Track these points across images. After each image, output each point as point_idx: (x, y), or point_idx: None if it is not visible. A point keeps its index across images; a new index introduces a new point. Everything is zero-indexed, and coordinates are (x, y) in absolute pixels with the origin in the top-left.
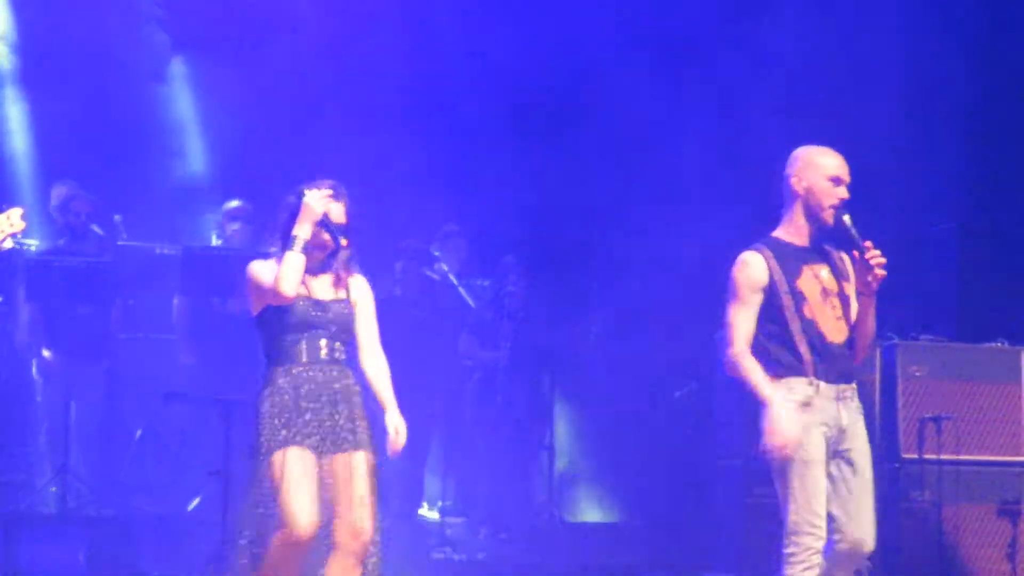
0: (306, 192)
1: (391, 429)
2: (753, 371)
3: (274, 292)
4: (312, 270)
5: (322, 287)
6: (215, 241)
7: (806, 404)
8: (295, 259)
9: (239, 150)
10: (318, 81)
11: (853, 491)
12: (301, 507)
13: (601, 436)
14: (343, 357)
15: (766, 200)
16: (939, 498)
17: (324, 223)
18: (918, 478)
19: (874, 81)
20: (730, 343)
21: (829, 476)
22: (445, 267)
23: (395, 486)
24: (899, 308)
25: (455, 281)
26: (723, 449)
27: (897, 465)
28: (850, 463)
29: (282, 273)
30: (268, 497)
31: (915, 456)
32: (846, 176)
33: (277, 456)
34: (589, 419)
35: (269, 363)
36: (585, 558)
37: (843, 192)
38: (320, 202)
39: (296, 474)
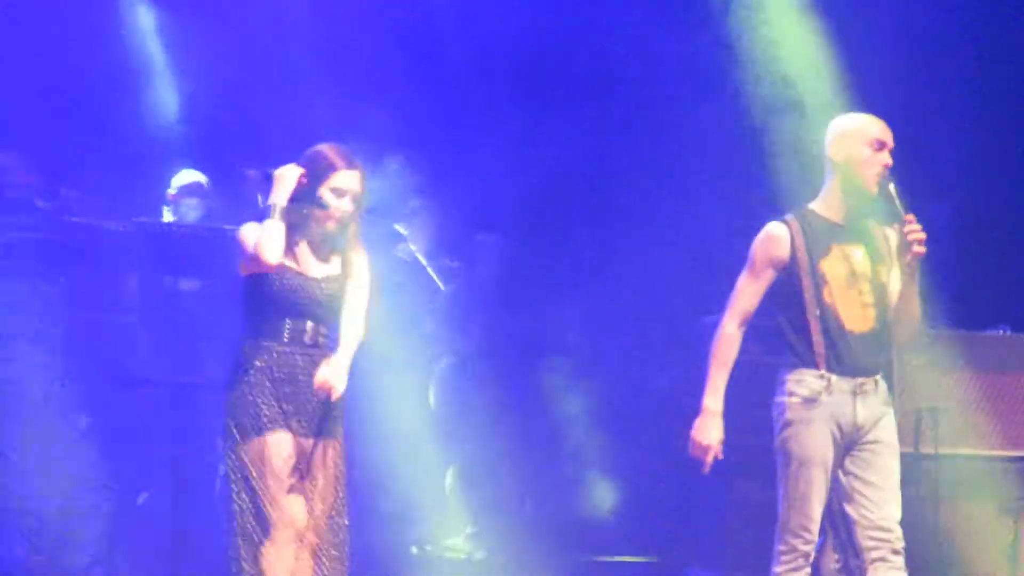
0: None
1: (322, 374)
2: (715, 366)
3: (256, 258)
4: (308, 245)
5: (316, 264)
6: (168, 217)
7: (810, 400)
8: (274, 225)
9: (211, 108)
10: (294, 32)
11: (873, 482)
12: (288, 499)
13: (580, 426)
14: (326, 341)
15: (762, 189)
16: (936, 495)
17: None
18: (913, 472)
19: (871, 62)
20: (725, 315)
21: (845, 474)
22: (413, 247)
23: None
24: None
25: (424, 261)
26: None
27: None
28: (870, 457)
29: (262, 240)
30: (247, 486)
31: (911, 450)
32: (890, 141)
33: (257, 442)
34: (567, 409)
35: (247, 337)
36: (567, 551)
37: (886, 158)
38: (292, 174)
39: (279, 463)
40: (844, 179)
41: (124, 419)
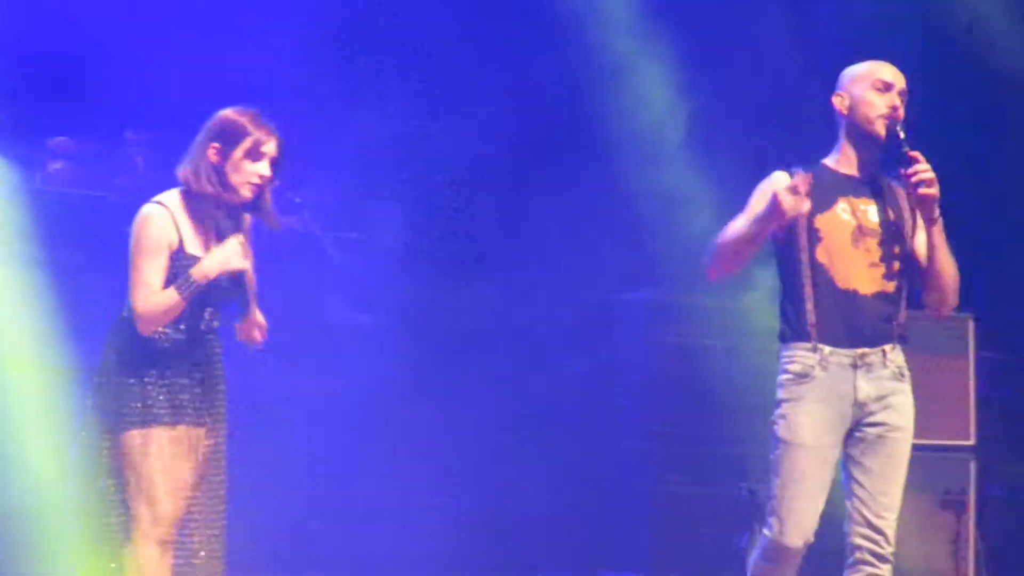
0: (228, 242)
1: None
2: (736, 221)
3: (138, 318)
4: (208, 228)
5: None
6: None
7: (802, 376)
8: (173, 303)
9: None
10: None
11: (873, 470)
12: (166, 493)
13: (487, 412)
14: (219, 325)
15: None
16: None
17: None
18: None
19: None
20: (721, 233)
21: (848, 459)
22: (309, 216)
23: None
24: None
25: (320, 233)
26: (628, 430)
27: None
28: (874, 441)
29: (151, 312)
30: (125, 480)
31: None
32: (898, 82)
33: (138, 433)
34: (474, 393)
35: (132, 323)
36: (472, 553)
37: (894, 99)
38: (239, 257)
39: (165, 456)
40: (851, 127)
41: None
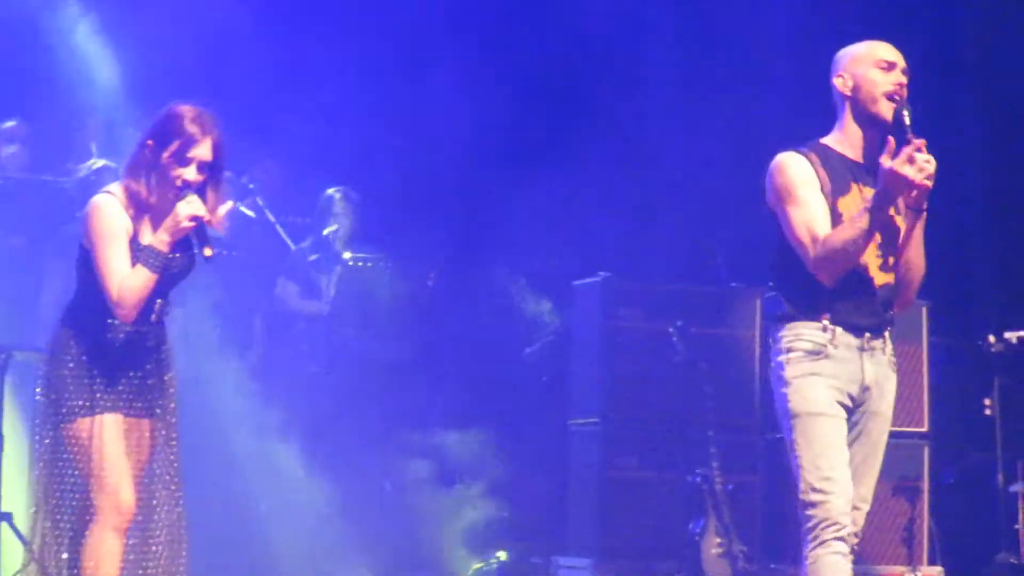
0: (180, 207)
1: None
2: (844, 229)
3: (116, 306)
4: (159, 217)
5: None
6: None
7: (814, 353)
8: (145, 279)
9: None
10: None
11: (856, 459)
12: (121, 481)
13: (438, 398)
14: (168, 313)
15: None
16: None
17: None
18: None
19: None
20: (808, 247)
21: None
22: (261, 201)
23: None
24: None
25: (272, 218)
26: (578, 411)
27: (779, 435)
28: (864, 427)
29: (127, 295)
30: (72, 468)
31: None
32: (901, 61)
33: (86, 422)
34: (424, 379)
35: (83, 309)
36: (425, 538)
37: (899, 77)
38: (191, 212)
39: (118, 443)
40: (855, 110)
41: None
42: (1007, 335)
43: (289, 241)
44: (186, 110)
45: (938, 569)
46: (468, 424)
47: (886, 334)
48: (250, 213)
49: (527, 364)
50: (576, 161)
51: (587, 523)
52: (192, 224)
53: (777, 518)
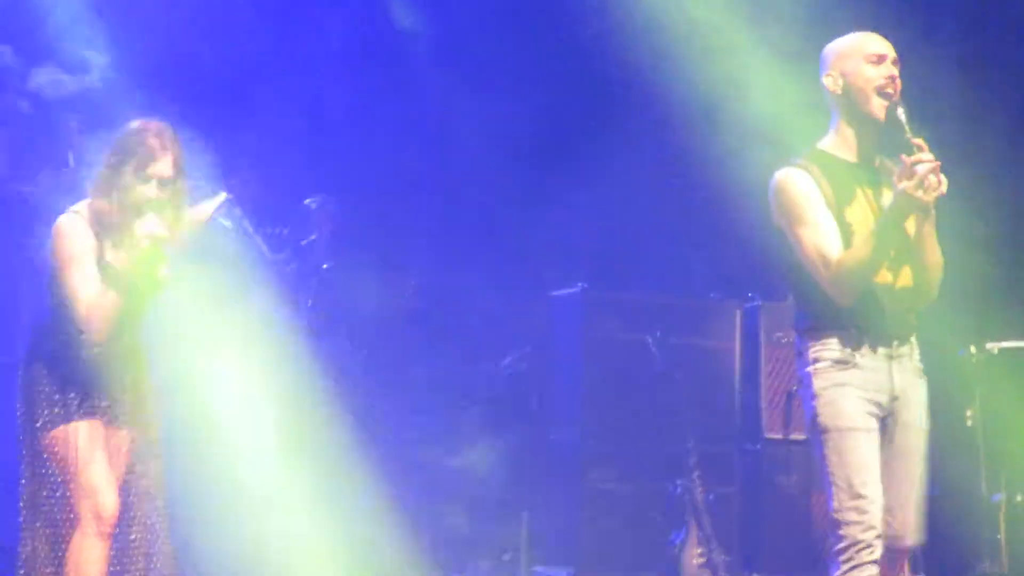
0: (138, 226)
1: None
2: (865, 249)
3: (85, 326)
4: (121, 233)
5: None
6: None
7: (843, 362)
8: (112, 299)
9: None
10: None
11: (896, 473)
12: (103, 485)
13: (417, 409)
14: (141, 327)
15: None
16: (806, 483)
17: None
18: (784, 461)
19: None
20: (821, 271)
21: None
22: (239, 211)
23: None
24: (763, 266)
25: (250, 228)
26: (559, 420)
27: (759, 446)
28: (897, 437)
29: (95, 314)
30: (55, 478)
31: (780, 436)
32: (890, 51)
33: (61, 431)
34: (403, 389)
35: (56, 328)
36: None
37: (889, 69)
38: (147, 232)
39: (93, 448)
40: (848, 110)
41: None
42: (988, 345)
43: (266, 251)
44: (146, 126)
45: None
46: (449, 435)
47: (912, 340)
48: (227, 223)
49: (504, 375)
50: (557, 173)
51: (567, 533)
52: (147, 242)
53: (755, 528)
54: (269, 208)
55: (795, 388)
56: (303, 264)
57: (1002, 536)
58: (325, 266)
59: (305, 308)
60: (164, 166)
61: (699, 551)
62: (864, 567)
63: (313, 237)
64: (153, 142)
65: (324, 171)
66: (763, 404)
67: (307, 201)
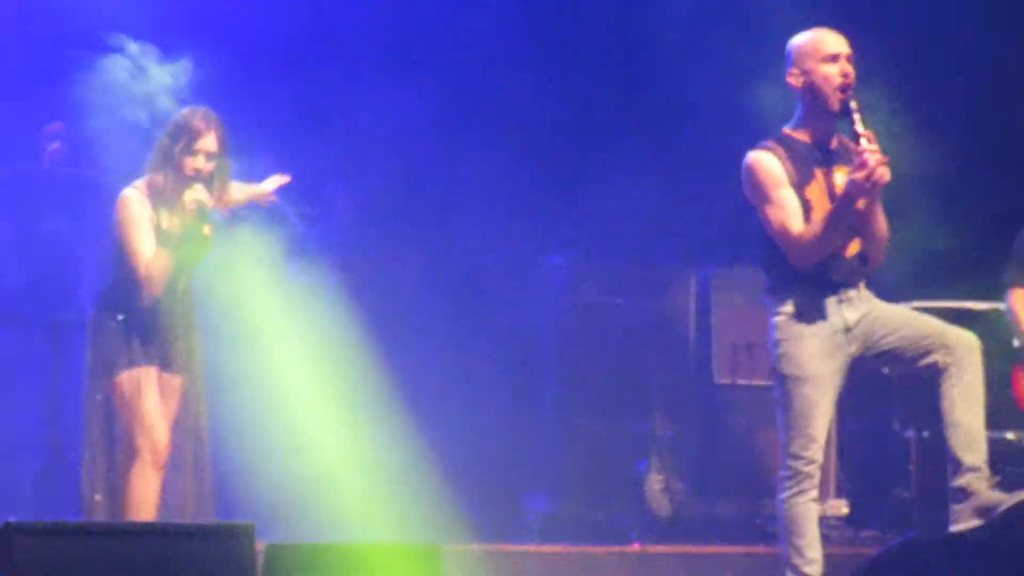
0: (187, 194)
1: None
2: (821, 224)
3: (146, 283)
4: (174, 205)
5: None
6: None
7: (797, 315)
8: (166, 258)
9: None
10: None
11: (902, 326)
12: (157, 424)
13: (423, 365)
14: (191, 286)
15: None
16: (752, 422)
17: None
18: (733, 402)
19: None
20: (785, 243)
21: (887, 354)
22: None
23: None
24: (715, 238)
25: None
26: (542, 372)
27: (711, 390)
28: (881, 328)
29: (153, 273)
30: (115, 416)
31: (729, 382)
32: (844, 49)
33: (129, 374)
34: (414, 349)
35: (120, 280)
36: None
37: (843, 67)
38: (194, 197)
39: (150, 393)
40: (810, 102)
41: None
42: (914, 304)
43: (300, 225)
44: (194, 110)
45: (843, 502)
46: (452, 382)
47: (860, 284)
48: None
49: (500, 332)
50: (554, 150)
51: (550, 465)
52: (194, 208)
53: (708, 460)
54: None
55: (741, 342)
56: (327, 239)
57: (912, 466)
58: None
59: (329, 273)
60: (209, 142)
61: (659, 479)
62: (805, 492)
63: (339, 218)
64: (199, 123)
65: (340, 157)
66: (714, 355)
67: (331, 188)
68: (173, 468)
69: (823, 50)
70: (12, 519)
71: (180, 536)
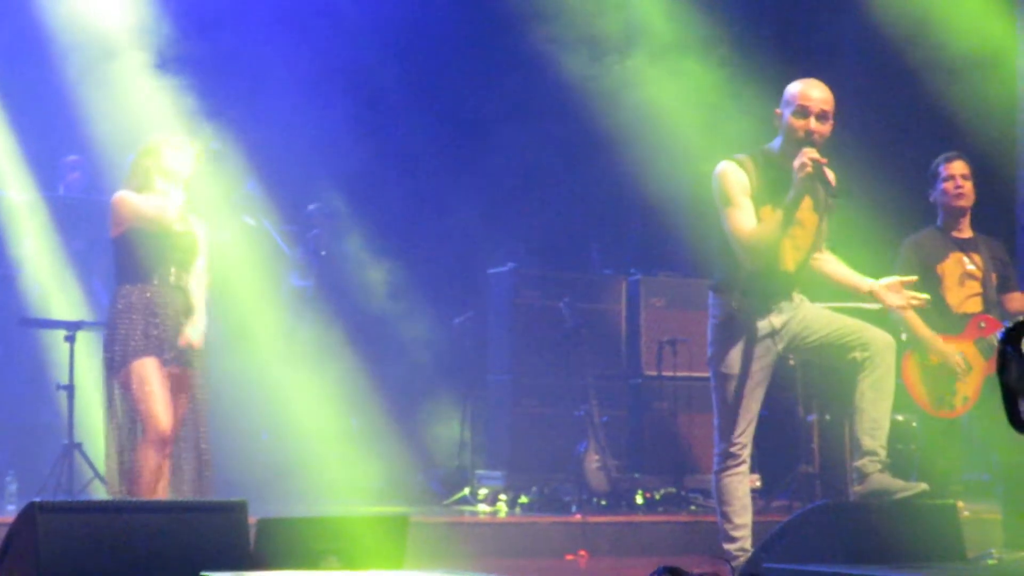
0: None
1: (185, 337)
2: (760, 229)
3: (159, 219)
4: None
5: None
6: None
7: (726, 322)
8: (169, 199)
9: None
10: None
11: (825, 327)
12: (160, 410)
13: (388, 359)
14: (186, 285)
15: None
16: (675, 408)
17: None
18: (658, 391)
19: None
20: (739, 240)
21: (810, 351)
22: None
23: None
24: (643, 247)
25: (270, 228)
26: (494, 366)
27: (640, 381)
28: (804, 330)
29: (165, 205)
30: (127, 404)
31: (655, 373)
32: (817, 104)
33: (135, 365)
34: (379, 340)
35: (123, 282)
36: (375, 467)
37: (810, 123)
38: (182, 163)
39: (154, 381)
40: (784, 135)
41: (28, 352)
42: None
43: (286, 246)
44: (162, 139)
45: (756, 476)
46: (412, 380)
47: (792, 293)
48: (251, 222)
49: (456, 330)
50: (494, 167)
51: (502, 446)
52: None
53: (639, 442)
54: (280, 211)
55: (665, 339)
56: (308, 252)
57: (815, 445)
58: (323, 253)
59: (312, 282)
60: (184, 165)
61: (596, 458)
62: (732, 468)
63: (316, 232)
64: (172, 148)
65: (323, 174)
66: (642, 350)
67: (311, 206)
68: (176, 449)
69: (798, 102)
70: (36, 499)
71: (183, 511)
